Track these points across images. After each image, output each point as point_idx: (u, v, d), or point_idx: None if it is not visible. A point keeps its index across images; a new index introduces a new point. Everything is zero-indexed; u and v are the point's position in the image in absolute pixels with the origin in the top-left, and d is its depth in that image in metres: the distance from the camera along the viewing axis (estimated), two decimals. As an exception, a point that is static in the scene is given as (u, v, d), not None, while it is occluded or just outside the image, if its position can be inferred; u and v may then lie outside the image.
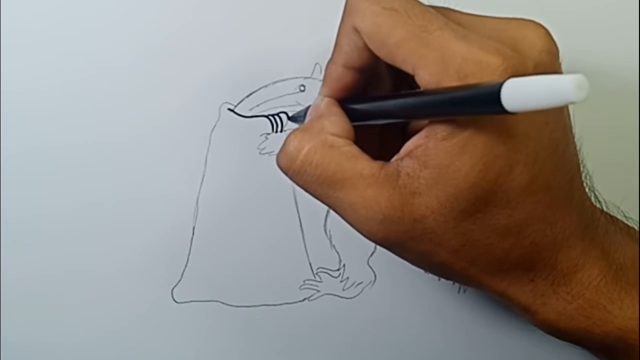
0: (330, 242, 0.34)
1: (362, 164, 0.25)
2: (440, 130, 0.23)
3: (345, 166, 0.25)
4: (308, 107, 0.31)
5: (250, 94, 0.32)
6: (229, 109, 0.32)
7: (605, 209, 0.29)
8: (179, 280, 0.33)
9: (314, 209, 0.34)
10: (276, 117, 0.33)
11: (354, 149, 0.26)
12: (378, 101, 0.27)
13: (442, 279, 0.35)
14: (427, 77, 0.23)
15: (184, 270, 0.33)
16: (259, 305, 0.34)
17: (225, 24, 0.32)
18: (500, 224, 0.24)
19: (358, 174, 0.25)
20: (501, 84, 0.19)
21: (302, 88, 0.33)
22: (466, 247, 0.25)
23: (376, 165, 0.25)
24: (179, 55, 0.32)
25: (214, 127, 0.32)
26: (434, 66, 0.23)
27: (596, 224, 0.27)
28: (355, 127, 0.27)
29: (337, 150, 0.25)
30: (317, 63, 0.32)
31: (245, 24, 0.32)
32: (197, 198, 0.33)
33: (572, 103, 0.18)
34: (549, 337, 0.37)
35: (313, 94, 0.32)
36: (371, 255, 0.35)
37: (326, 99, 0.28)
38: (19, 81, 0.31)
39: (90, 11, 0.31)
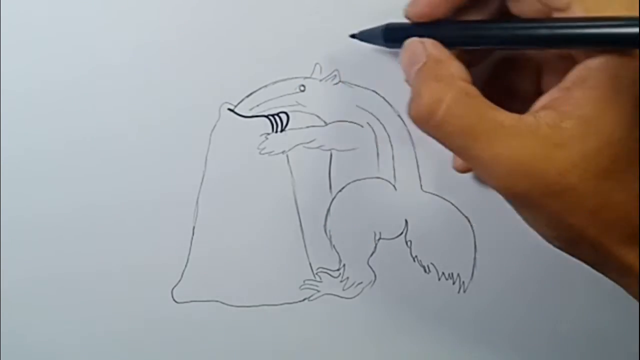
0: (330, 242, 0.34)
1: (502, 115, 0.24)
2: (591, 78, 0.22)
3: (487, 116, 0.24)
4: (386, 28, 0.28)
5: (250, 94, 0.32)
6: (229, 109, 0.32)
7: None
8: (179, 280, 0.33)
9: (314, 209, 0.34)
10: (276, 117, 0.33)
11: (485, 99, 0.24)
12: (497, 26, 0.25)
13: (442, 278, 0.35)
14: (582, 12, 0.21)
15: (184, 270, 0.33)
16: (259, 305, 0.34)
17: (225, 24, 0.32)
18: None
19: (500, 125, 0.23)
20: None
21: (302, 88, 0.33)
22: (604, 209, 0.23)
23: (514, 116, 0.23)
24: (179, 55, 0.32)
25: (214, 127, 0.32)
26: (594, 2, 0.21)
27: None
28: None
29: (476, 99, 0.24)
30: (317, 63, 0.32)
31: (245, 24, 0.32)
32: (197, 198, 0.33)
33: None
34: (548, 337, 0.37)
35: (313, 94, 0.32)
36: (371, 255, 0.35)
37: (429, 42, 0.26)
38: (20, 81, 0.31)
39: (90, 11, 0.31)
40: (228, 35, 0.32)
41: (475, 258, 0.35)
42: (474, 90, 0.24)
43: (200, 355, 0.34)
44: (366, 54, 0.32)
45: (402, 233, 0.35)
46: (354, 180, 0.34)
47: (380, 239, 0.35)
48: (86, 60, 0.31)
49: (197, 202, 0.33)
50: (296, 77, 0.32)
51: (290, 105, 0.33)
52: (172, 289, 0.33)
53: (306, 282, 0.34)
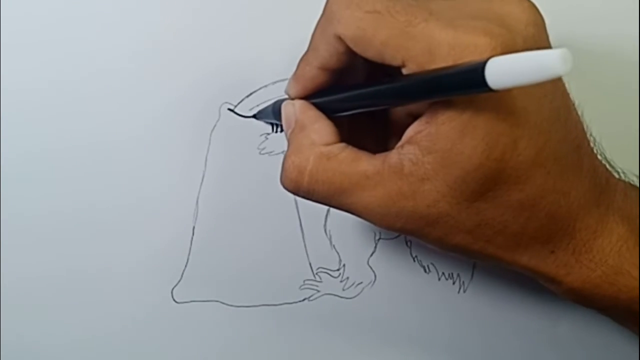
0: (330, 242, 0.34)
1: (364, 165, 0.25)
2: (440, 114, 0.23)
3: (349, 172, 0.25)
4: (274, 104, 0.30)
5: (250, 94, 0.32)
6: (229, 109, 0.32)
7: (622, 177, 0.29)
8: (179, 280, 0.33)
9: (314, 209, 0.34)
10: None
11: (351, 152, 0.26)
12: (352, 90, 0.27)
13: (442, 278, 0.35)
14: (414, 68, 0.23)
15: (184, 270, 0.33)
16: (259, 305, 0.34)
17: (225, 24, 0.32)
18: (513, 199, 0.24)
19: (363, 176, 0.25)
20: (484, 63, 0.19)
21: (302, 88, 0.33)
22: (481, 226, 0.25)
23: (378, 160, 0.25)
24: (179, 56, 0.32)
25: (214, 127, 0.32)
26: (422, 57, 0.23)
27: (613, 189, 0.27)
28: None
29: (336, 160, 0.26)
30: (317, 63, 0.32)
31: (246, 24, 0.32)
32: (197, 198, 0.33)
33: (558, 76, 0.18)
34: (548, 337, 0.37)
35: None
36: (371, 255, 0.35)
37: (297, 104, 0.28)
38: (19, 82, 0.31)
39: (89, 12, 0.31)
40: (228, 36, 0.32)
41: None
42: (335, 151, 0.26)
43: (200, 355, 0.34)
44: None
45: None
46: (354, 180, 0.34)
47: (380, 239, 0.35)
48: (86, 60, 0.31)
49: (197, 202, 0.33)
50: (296, 77, 0.32)
51: (290, 105, 0.33)
52: (172, 289, 0.33)
53: (306, 282, 0.34)
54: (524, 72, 0.19)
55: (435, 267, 0.35)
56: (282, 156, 0.33)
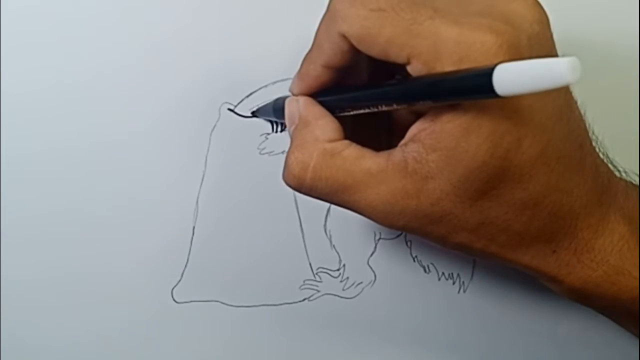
0: (330, 242, 0.34)
1: (368, 163, 0.25)
2: (444, 112, 0.23)
3: (353, 170, 0.25)
4: (275, 101, 0.30)
5: (250, 94, 0.32)
6: (229, 109, 0.32)
7: (624, 176, 0.29)
8: (179, 280, 0.33)
9: (314, 209, 0.34)
10: (276, 117, 0.33)
11: (355, 149, 0.26)
12: (359, 91, 0.27)
13: (442, 278, 0.35)
14: (420, 66, 0.23)
15: (184, 270, 0.33)
16: (259, 305, 0.34)
17: (225, 24, 0.32)
18: (516, 198, 0.24)
19: (367, 174, 0.25)
20: (492, 69, 0.19)
21: (302, 88, 0.33)
22: (485, 225, 0.25)
23: (381, 158, 0.25)
24: (179, 56, 0.32)
25: (214, 127, 0.32)
26: (427, 54, 0.23)
27: (614, 189, 0.27)
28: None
29: (340, 156, 0.25)
30: (317, 63, 0.32)
31: (245, 24, 0.32)
32: (197, 198, 0.33)
33: (566, 85, 0.18)
34: (548, 337, 0.37)
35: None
36: (371, 255, 0.35)
37: (302, 100, 0.28)
38: (19, 82, 0.31)
39: (90, 12, 0.31)
40: (228, 36, 0.32)
41: (475, 258, 0.35)
42: (339, 147, 0.26)
43: (200, 355, 0.34)
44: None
45: (402, 233, 0.35)
46: (354, 180, 0.34)
47: (380, 239, 0.35)
48: (86, 61, 0.31)
49: (197, 202, 0.33)
50: (296, 77, 0.32)
51: (290, 105, 0.33)
52: (172, 289, 0.33)
53: (306, 282, 0.34)
54: (531, 79, 0.19)
55: (435, 267, 0.35)
56: (282, 156, 0.33)
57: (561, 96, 0.25)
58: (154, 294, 0.33)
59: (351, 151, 0.26)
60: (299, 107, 0.27)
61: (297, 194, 0.33)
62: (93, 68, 0.31)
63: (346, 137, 0.26)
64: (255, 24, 0.32)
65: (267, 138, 0.33)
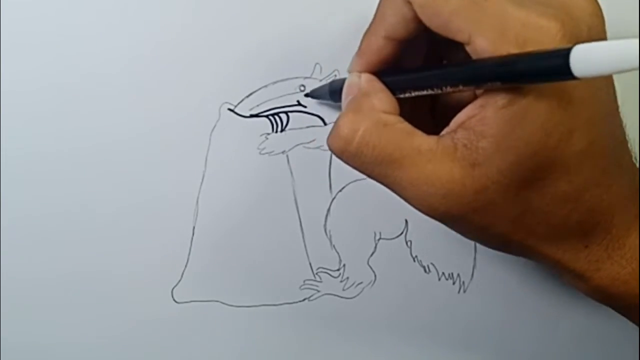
0: (330, 242, 0.34)
1: (419, 140, 0.25)
2: (499, 98, 0.23)
3: (403, 144, 0.25)
4: (332, 82, 0.30)
5: (250, 94, 0.32)
6: (229, 109, 0.32)
7: None
8: (179, 280, 0.33)
9: (314, 209, 0.34)
10: (276, 117, 0.33)
11: (407, 125, 0.25)
12: (425, 71, 0.26)
13: (442, 278, 0.35)
14: (484, 44, 0.22)
15: (184, 270, 0.33)
16: (259, 305, 0.34)
17: (225, 24, 0.32)
18: (560, 190, 0.24)
19: (416, 151, 0.25)
20: (569, 51, 0.19)
21: (302, 88, 0.33)
22: (525, 216, 0.25)
23: (432, 139, 0.25)
24: (179, 56, 0.32)
25: (214, 127, 0.32)
26: (492, 33, 0.22)
27: None
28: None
29: (392, 128, 0.25)
30: (317, 63, 0.32)
31: (245, 24, 0.32)
32: (197, 198, 0.33)
33: None
34: (549, 337, 0.37)
35: (313, 94, 0.33)
36: (371, 255, 0.35)
37: (364, 75, 0.27)
38: (20, 82, 0.31)
39: (90, 12, 0.31)
40: (228, 36, 0.32)
41: (475, 258, 0.35)
42: (393, 120, 0.25)
43: (200, 355, 0.34)
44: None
45: (402, 233, 0.35)
46: (354, 180, 0.34)
47: (380, 239, 0.35)
48: (86, 61, 0.31)
49: (197, 202, 0.33)
50: (296, 77, 0.32)
51: (290, 105, 0.33)
52: (172, 289, 0.33)
53: (306, 282, 0.34)
54: (609, 61, 0.18)
55: (435, 267, 0.35)
56: (282, 156, 0.33)
57: (610, 92, 0.25)
58: (154, 294, 0.33)
59: (404, 126, 0.25)
60: (360, 81, 0.27)
61: (297, 194, 0.33)
62: (92, 68, 0.31)
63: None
64: (255, 23, 0.32)
65: (267, 138, 0.33)
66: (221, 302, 0.34)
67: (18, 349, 0.33)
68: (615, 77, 0.34)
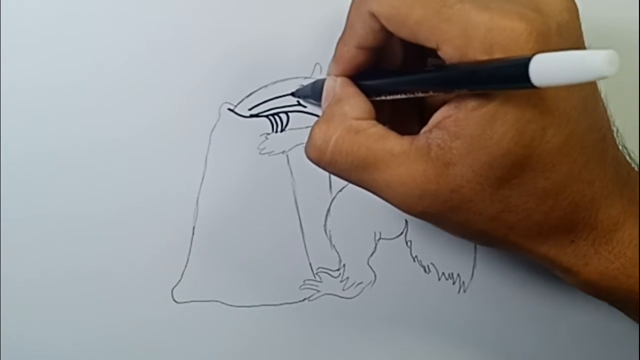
0: (330, 242, 0.34)
1: (392, 143, 0.25)
2: (470, 101, 0.23)
3: (375, 148, 0.25)
4: (314, 83, 0.31)
5: (250, 94, 0.32)
6: (229, 109, 0.32)
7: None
8: (179, 280, 0.33)
9: (314, 209, 0.34)
10: (276, 117, 0.33)
11: (380, 129, 0.26)
12: (396, 76, 0.27)
13: (442, 278, 0.35)
14: (451, 51, 0.23)
15: (184, 270, 0.33)
16: (259, 305, 0.34)
17: (225, 24, 0.32)
18: (538, 187, 0.24)
19: (389, 154, 0.25)
20: (529, 61, 0.19)
21: (302, 88, 0.33)
22: (505, 213, 0.25)
23: (405, 141, 0.25)
24: (179, 55, 0.32)
25: (214, 127, 0.32)
26: (458, 40, 0.22)
27: (634, 182, 0.27)
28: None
29: (364, 134, 0.25)
30: (317, 63, 0.32)
31: (246, 24, 0.32)
32: (197, 198, 0.33)
33: (603, 78, 0.18)
34: (548, 337, 0.37)
35: (313, 94, 0.32)
36: (371, 255, 0.35)
37: (339, 79, 0.28)
38: (20, 82, 0.31)
39: (89, 11, 0.31)
40: (228, 35, 0.32)
41: (475, 258, 0.35)
42: (365, 125, 0.26)
43: (200, 355, 0.34)
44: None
45: (402, 233, 0.35)
46: (354, 180, 0.34)
47: (380, 239, 0.35)
48: (86, 60, 0.31)
49: (197, 202, 0.33)
50: (296, 77, 0.32)
51: (290, 105, 0.33)
52: (172, 289, 0.33)
53: (306, 282, 0.34)
54: (568, 71, 0.18)
55: (435, 267, 0.35)
56: (282, 156, 0.33)
57: (586, 87, 0.25)
58: (154, 294, 0.33)
59: (376, 130, 0.26)
60: (335, 85, 0.28)
61: (297, 194, 0.33)
62: (92, 68, 0.31)
63: (383, 123, 0.26)
64: (255, 23, 0.32)
65: (267, 138, 0.33)
66: (221, 302, 0.34)
67: (18, 349, 0.33)
68: (615, 77, 0.34)
